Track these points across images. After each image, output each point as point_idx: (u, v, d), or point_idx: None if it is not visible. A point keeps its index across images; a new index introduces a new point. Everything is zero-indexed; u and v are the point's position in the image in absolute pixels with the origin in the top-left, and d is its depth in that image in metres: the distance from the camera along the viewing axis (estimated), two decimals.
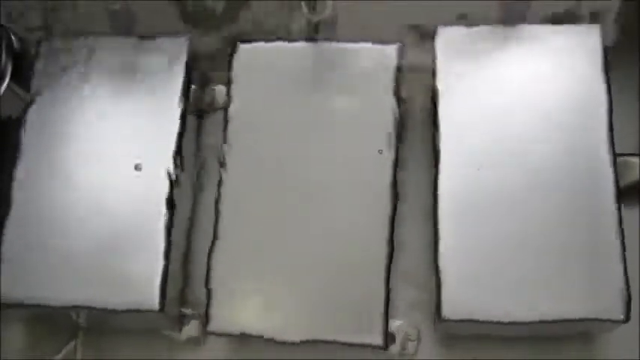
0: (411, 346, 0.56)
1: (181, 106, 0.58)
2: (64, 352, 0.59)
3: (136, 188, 0.55)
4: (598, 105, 0.54)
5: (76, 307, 0.53)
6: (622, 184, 0.53)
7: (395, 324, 0.55)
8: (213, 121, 0.63)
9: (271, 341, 0.52)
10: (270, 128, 0.57)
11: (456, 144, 0.54)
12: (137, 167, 0.56)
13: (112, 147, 0.57)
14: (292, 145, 0.56)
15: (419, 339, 0.57)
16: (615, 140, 0.53)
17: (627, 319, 0.49)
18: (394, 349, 0.55)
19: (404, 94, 0.58)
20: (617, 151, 0.53)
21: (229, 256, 0.54)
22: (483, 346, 0.56)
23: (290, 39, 0.59)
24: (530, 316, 0.50)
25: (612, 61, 0.55)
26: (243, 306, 0.53)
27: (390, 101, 0.57)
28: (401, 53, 0.58)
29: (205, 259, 0.54)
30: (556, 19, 0.60)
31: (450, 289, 0.51)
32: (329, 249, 0.53)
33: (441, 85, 0.56)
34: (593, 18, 0.59)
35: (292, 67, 0.58)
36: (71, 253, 0.54)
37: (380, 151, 0.55)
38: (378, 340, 0.51)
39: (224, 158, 0.56)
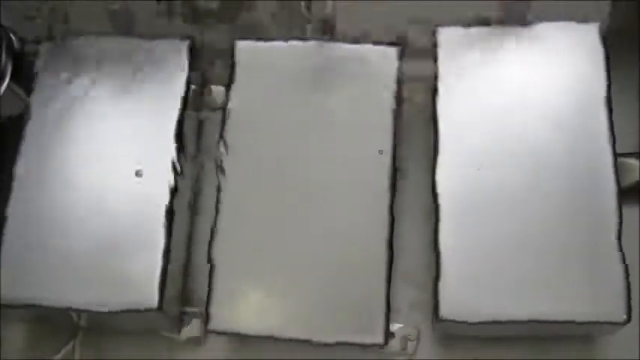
0: (410, 346, 0.56)
1: (181, 106, 0.58)
2: (63, 352, 0.59)
3: (136, 188, 0.55)
4: (598, 105, 0.54)
5: (75, 307, 0.53)
6: (622, 184, 0.53)
7: (395, 327, 0.55)
8: (213, 121, 0.63)
9: (271, 341, 0.52)
10: (269, 128, 0.57)
11: (456, 144, 0.54)
12: (138, 173, 0.56)
13: (111, 147, 0.57)
14: (292, 144, 0.56)
15: (418, 339, 0.57)
16: (615, 140, 0.53)
17: (628, 321, 0.49)
18: (394, 348, 0.55)
19: (404, 94, 0.58)
20: (617, 151, 0.53)
21: (229, 256, 0.54)
22: (483, 346, 0.56)
23: (290, 39, 0.59)
24: (529, 317, 0.50)
25: (612, 61, 0.55)
26: (243, 305, 0.53)
27: (390, 101, 0.57)
28: (401, 53, 0.58)
29: (205, 259, 0.54)
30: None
31: (449, 289, 0.51)
32: (329, 249, 0.53)
33: (441, 85, 0.56)
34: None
35: (292, 67, 0.58)
36: (71, 253, 0.54)
37: (380, 152, 0.55)
38: (378, 340, 0.51)
39: (223, 158, 0.56)
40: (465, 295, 0.51)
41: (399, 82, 0.57)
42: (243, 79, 0.58)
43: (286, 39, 0.59)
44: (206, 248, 0.54)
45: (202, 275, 0.55)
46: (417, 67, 0.59)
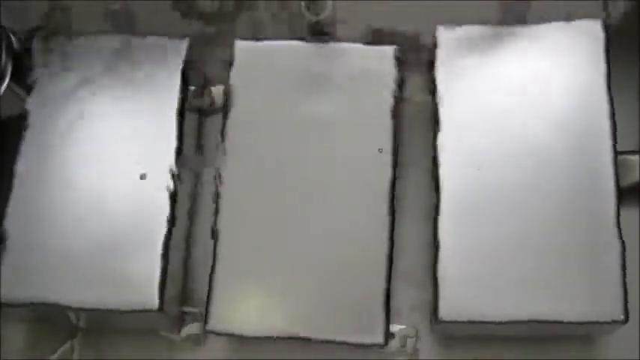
0: (409, 346, 0.56)
1: (181, 106, 0.58)
2: (62, 351, 0.59)
3: (136, 188, 0.55)
4: (598, 105, 0.54)
5: (75, 307, 0.53)
6: (622, 183, 0.53)
7: (395, 327, 0.55)
8: (213, 121, 0.63)
9: (271, 341, 0.52)
10: (269, 128, 0.57)
11: (456, 144, 0.54)
12: (137, 172, 0.56)
13: (111, 147, 0.57)
14: (292, 144, 0.56)
15: (417, 338, 0.57)
16: (616, 140, 0.53)
17: (626, 320, 0.49)
18: (393, 348, 0.55)
19: (404, 93, 0.58)
20: (617, 150, 0.53)
21: (229, 256, 0.54)
22: (483, 347, 0.56)
23: (290, 39, 0.59)
24: (529, 316, 0.50)
25: (612, 61, 0.55)
26: (243, 306, 0.53)
27: (390, 101, 0.57)
28: (400, 53, 0.58)
29: (205, 259, 0.54)
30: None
31: (449, 289, 0.51)
32: (329, 249, 0.53)
33: (440, 85, 0.56)
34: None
35: (292, 67, 0.58)
36: (71, 253, 0.54)
37: (380, 150, 0.55)
38: (378, 340, 0.51)
39: (223, 158, 0.56)
40: (464, 295, 0.51)
41: (399, 81, 0.57)
42: (243, 79, 0.58)
43: (286, 39, 0.59)
44: (206, 248, 0.55)
45: (202, 275, 0.55)
46: (417, 67, 0.59)
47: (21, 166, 0.57)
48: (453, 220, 0.52)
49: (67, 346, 0.59)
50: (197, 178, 0.62)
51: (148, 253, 0.54)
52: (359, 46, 0.58)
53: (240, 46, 0.59)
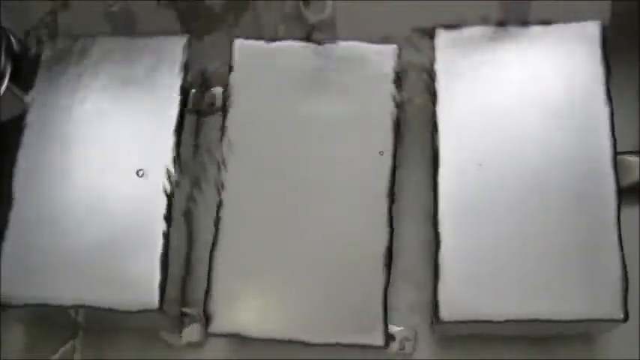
0: (408, 346, 0.56)
1: (180, 106, 0.58)
2: (62, 352, 0.59)
3: (136, 188, 0.55)
4: (598, 105, 0.54)
5: (75, 307, 0.53)
6: (622, 183, 0.53)
7: (394, 328, 0.55)
8: (213, 121, 0.63)
9: (271, 342, 0.52)
10: (269, 128, 0.57)
11: (456, 144, 0.54)
12: (138, 173, 0.56)
13: (111, 147, 0.57)
14: (292, 145, 0.56)
15: (416, 339, 0.57)
16: (615, 140, 0.53)
17: (626, 318, 0.49)
18: (393, 349, 0.55)
19: (403, 94, 0.58)
20: (618, 150, 0.53)
21: (230, 257, 0.54)
22: (483, 347, 0.56)
23: (290, 39, 0.59)
24: (529, 316, 0.50)
25: (612, 61, 0.55)
26: (243, 307, 0.53)
27: (390, 102, 0.56)
28: (400, 53, 0.58)
29: (206, 259, 0.54)
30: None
31: (449, 289, 0.51)
32: (329, 249, 0.53)
33: (440, 85, 0.56)
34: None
35: (292, 67, 0.58)
36: (71, 253, 0.54)
37: (380, 152, 0.55)
38: (378, 340, 0.51)
39: (223, 158, 0.56)
40: (465, 295, 0.51)
41: (399, 82, 0.57)
42: (243, 79, 0.58)
43: (286, 39, 0.59)
44: (206, 248, 0.54)
45: (202, 275, 0.55)
46: (417, 67, 0.59)
47: (20, 167, 0.57)
48: (453, 220, 0.52)
49: (68, 346, 0.59)
50: (197, 178, 0.62)
51: (148, 253, 0.54)
52: (359, 46, 0.58)
53: (240, 46, 0.59)
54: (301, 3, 0.56)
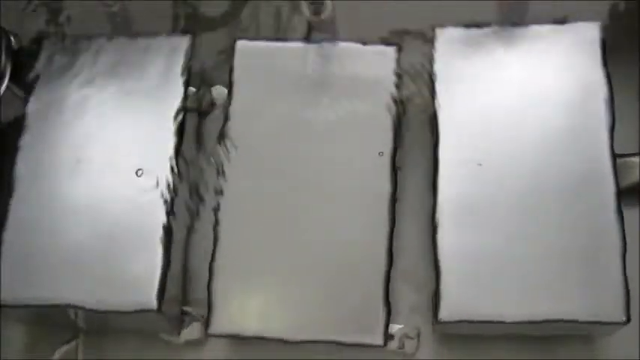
0: (409, 346, 0.56)
1: (181, 106, 0.58)
2: (62, 352, 0.59)
3: (136, 188, 0.55)
4: (598, 105, 0.54)
5: (75, 307, 0.53)
6: (622, 184, 0.53)
7: (395, 328, 0.55)
8: (213, 121, 0.63)
9: (272, 342, 0.52)
10: (269, 128, 0.57)
11: (456, 145, 0.54)
12: (137, 172, 0.56)
13: (112, 147, 0.57)
14: (292, 145, 0.56)
15: (418, 338, 0.57)
16: (615, 140, 0.53)
17: (628, 320, 0.49)
18: (393, 349, 0.55)
19: (403, 94, 0.58)
20: (617, 151, 0.53)
21: (230, 257, 0.54)
22: (483, 347, 0.56)
23: (290, 39, 0.59)
24: (529, 317, 0.50)
25: (612, 61, 0.55)
26: (243, 307, 0.53)
27: (390, 102, 0.56)
28: (400, 54, 0.58)
29: (205, 260, 0.54)
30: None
31: (449, 289, 0.51)
32: (329, 250, 0.53)
33: (440, 85, 0.56)
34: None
35: (292, 67, 0.58)
36: (71, 253, 0.54)
37: (380, 153, 0.55)
38: (378, 340, 0.51)
39: (223, 158, 0.56)
40: (464, 295, 0.51)
41: (399, 82, 0.57)
42: (243, 79, 0.58)
43: (286, 39, 0.59)
44: (206, 249, 0.54)
45: (202, 276, 0.55)
46: (417, 67, 0.59)
47: (21, 167, 0.57)
48: (453, 220, 0.52)
49: (68, 346, 0.59)
50: (197, 178, 0.62)
51: (148, 254, 0.54)
52: (359, 46, 0.58)
53: (240, 46, 0.59)
54: (301, 3, 0.56)
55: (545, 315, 0.50)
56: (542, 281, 0.50)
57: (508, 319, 0.50)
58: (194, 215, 0.61)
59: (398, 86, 0.57)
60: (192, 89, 0.60)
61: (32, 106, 0.59)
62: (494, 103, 0.55)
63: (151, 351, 0.59)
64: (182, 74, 0.58)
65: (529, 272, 0.51)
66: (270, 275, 0.53)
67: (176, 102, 0.58)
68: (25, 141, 0.58)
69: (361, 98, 0.57)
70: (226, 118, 0.57)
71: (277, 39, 0.59)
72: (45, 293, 0.53)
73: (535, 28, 0.57)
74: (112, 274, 0.53)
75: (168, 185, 0.55)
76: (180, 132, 0.57)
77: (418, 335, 0.56)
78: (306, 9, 0.57)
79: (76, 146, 0.57)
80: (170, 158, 0.56)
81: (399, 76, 0.57)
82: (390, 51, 0.58)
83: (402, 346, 0.56)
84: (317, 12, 0.56)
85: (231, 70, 0.59)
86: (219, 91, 0.64)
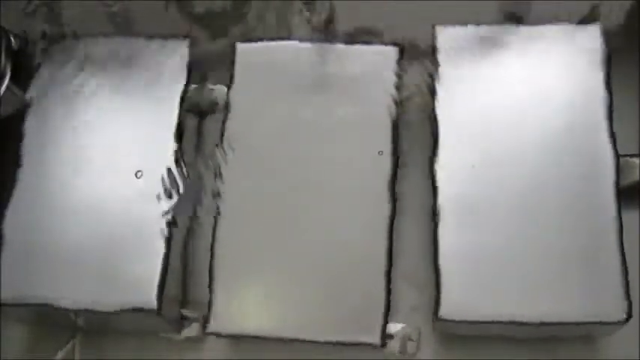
0: (410, 346, 0.56)
1: (181, 106, 0.58)
2: (62, 352, 0.59)
3: (136, 189, 0.55)
4: (598, 105, 0.54)
5: (75, 308, 0.53)
6: (622, 185, 0.53)
7: (395, 327, 0.55)
8: (213, 121, 0.63)
9: (271, 341, 0.52)
10: (269, 128, 0.57)
11: (456, 144, 0.54)
12: (137, 174, 0.56)
13: (111, 148, 0.57)
14: (292, 145, 0.56)
15: (418, 339, 0.57)
16: (616, 141, 0.53)
17: (627, 320, 0.49)
18: (394, 349, 0.55)
19: (403, 94, 0.58)
20: (618, 151, 0.53)
21: (230, 257, 0.54)
22: (483, 347, 0.56)
23: (290, 39, 0.59)
24: (530, 317, 0.50)
25: (612, 61, 0.55)
26: (243, 306, 0.53)
27: (390, 102, 0.56)
28: (400, 53, 0.58)
29: (205, 259, 0.54)
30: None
31: (449, 289, 0.51)
32: (329, 249, 0.53)
33: (440, 85, 0.56)
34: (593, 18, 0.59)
35: (292, 67, 0.58)
36: (71, 253, 0.54)
37: (380, 152, 0.55)
38: (377, 340, 0.51)
39: (223, 159, 0.56)
40: (465, 295, 0.51)
41: (399, 82, 0.57)
42: (243, 79, 0.58)
43: (286, 39, 0.59)
44: (206, 249, 0.54)
45: (202, 276, 0.55)
46: (417, 67, 0.59)
47: (20, 167, 0.57)
48: (453, 220, 0.52)
49: (68, 346, 0.59)
50: (197, 178, 0.62)
51: (148, 254, 0.54)
52: (359, 46, 0.58)
53: (241, 46, 0.59)
54: (302, 3, 0.56)
55: (545, 315, 0.50)
56: (542, 281, 0.50)
57: (509, 320, 0.50)
58: (194, 215, 0.61)
59: (398, 86, 0.57)
60: (192, 89, 0.60)
61: (32, 106, 0.59)
62: (494, 103, 0.55)
63: (151, 351, 0.59)
64: (183, 75, 0.58)
65: (529, 272, 0.51)
66: (270, 275, 0.53)
67: (176, 102, 0.58)
68: (25, 140, 0.58)
69: (361, 98, 0.57)
70: (226, 118, 0.57)
71: (277, 39, 0.59)
72: (45, 293, 0.53)
73: (535, 29, 0.57)
74: (112, 274, 0.53)
75: (168, 185, 0.55)
76: (181, 132, 0.57)
77: (419, 335, 0.56)
78: (305, 9, 0.57)
79: (75, 147, 0.57)
80: (170, 159, 0.56)
81: (399, 75, 0.57)
82: (390, 51, 0.58)
83: (403, 348, 0.56)
84: (316, 12, 0.56)
85: (231, 70, 0.59)
86: (219, 91, 0.63)
